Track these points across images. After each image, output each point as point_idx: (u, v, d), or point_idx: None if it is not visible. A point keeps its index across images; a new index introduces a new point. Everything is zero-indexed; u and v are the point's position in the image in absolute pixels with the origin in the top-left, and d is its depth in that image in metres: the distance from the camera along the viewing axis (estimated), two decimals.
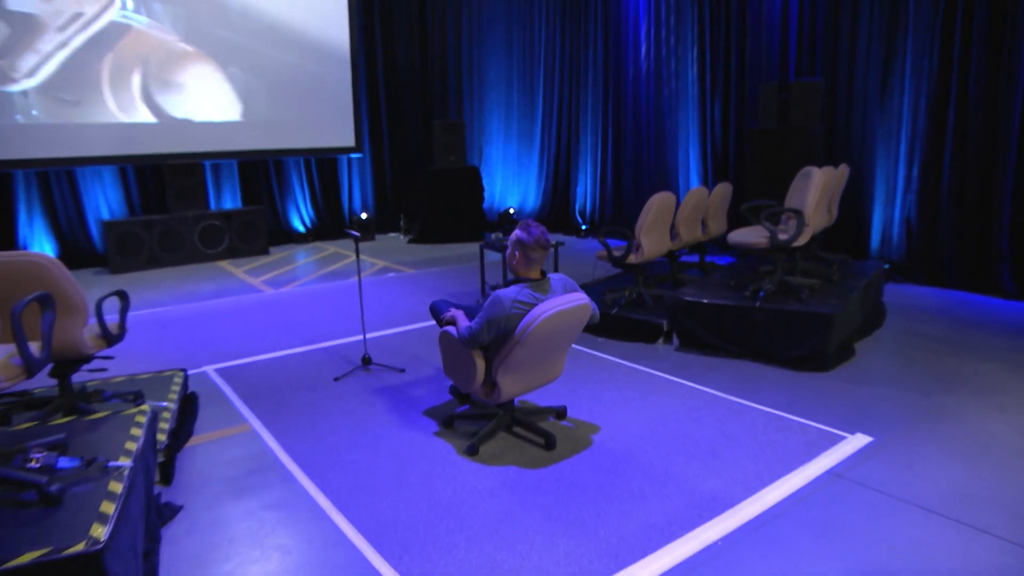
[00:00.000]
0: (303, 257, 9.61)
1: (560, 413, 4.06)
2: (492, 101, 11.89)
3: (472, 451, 3.59)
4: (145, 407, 3.30)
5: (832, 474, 3.35)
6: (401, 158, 11.68)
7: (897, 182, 7.38)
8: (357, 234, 4.79)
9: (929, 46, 6.91)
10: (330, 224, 11.07)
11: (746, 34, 8.58)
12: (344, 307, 6.75)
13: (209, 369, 5.03)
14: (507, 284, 3.48)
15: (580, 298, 3.45)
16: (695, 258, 7.57)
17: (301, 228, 10.80)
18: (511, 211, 11.36)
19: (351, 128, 10.95)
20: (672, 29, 9.52)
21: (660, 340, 5.46)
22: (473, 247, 10.26)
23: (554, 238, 11.46)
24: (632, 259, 5.65)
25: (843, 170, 6.37)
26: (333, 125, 10.78)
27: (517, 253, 3.44)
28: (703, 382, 4.59)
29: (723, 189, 6.60)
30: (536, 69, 11.63)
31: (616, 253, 5.69)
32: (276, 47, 10.07)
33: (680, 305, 5.24)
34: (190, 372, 4.83)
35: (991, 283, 6.62)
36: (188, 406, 4.25)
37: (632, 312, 5.64)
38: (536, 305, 3.35)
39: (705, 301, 5.11)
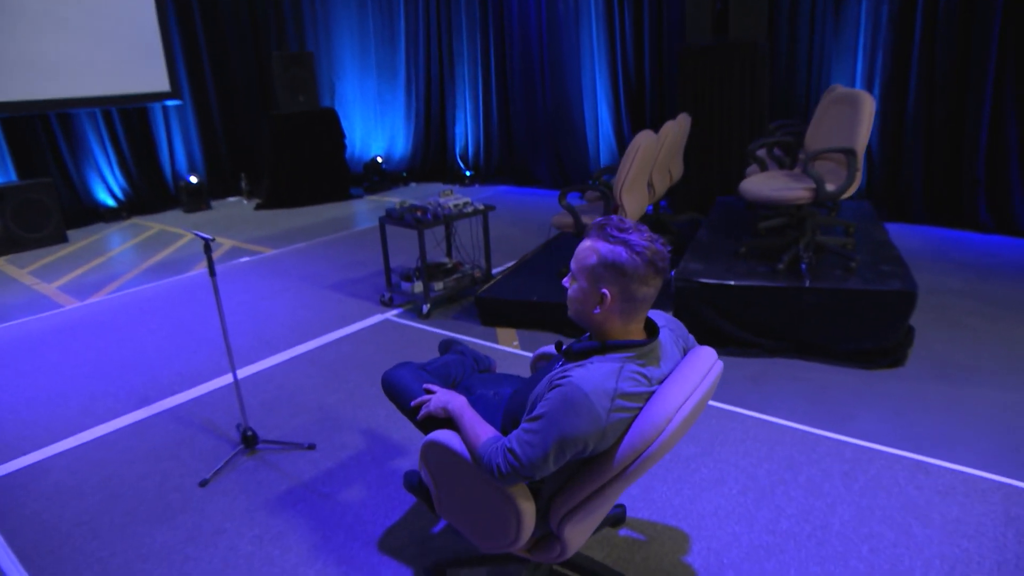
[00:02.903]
0: (119, 243, 6.97)
1: (617, 518, 2.37)
2: (341, 25, 9.38)
3: None
4: None
5: None
6: (233, 102, 9.00)
7: None
8: (209, 237, 2.68)
9: None
10: (150, 193, 8.32)
11: None
12: (191, 319, 4.52)
13: None
14: (581, 353, 1.63)
15: (710, 361, 1.71)
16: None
17: (111, 202, 7.98)
18: (379, 160, 9.21)
19: (162, 68, 8.14)
20: None
21: None
22: (341, 209, 8.08)
23: (437, 188, 9.39)
24: None
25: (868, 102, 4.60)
26: (137, 66, 7.92)
27: (607, 292, 1.56)
28: (771, 408, 3.08)
29: (682, 122, 5.01)
30: None
31: (587, 221, 3.97)
32: None
33: (691, 289, 3.65)
34: None
35: (965, 216, 5.65)
36: None
37: None
38: (652, 394, 1.59)
39: (732, 283, 3.55)
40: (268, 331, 4.31)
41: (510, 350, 3.91)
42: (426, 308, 4.46)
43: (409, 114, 9.64)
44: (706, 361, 1.69)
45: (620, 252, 1.52)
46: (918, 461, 2.65)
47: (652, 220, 5.39)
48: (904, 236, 5.42)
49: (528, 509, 1.67)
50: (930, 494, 2.46)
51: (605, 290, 1.55)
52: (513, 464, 1.56)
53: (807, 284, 3.43)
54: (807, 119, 6.15)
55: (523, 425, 1.57)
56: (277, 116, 8.09)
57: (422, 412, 1.92)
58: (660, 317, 1.79)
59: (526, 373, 3.68)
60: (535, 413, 1.54)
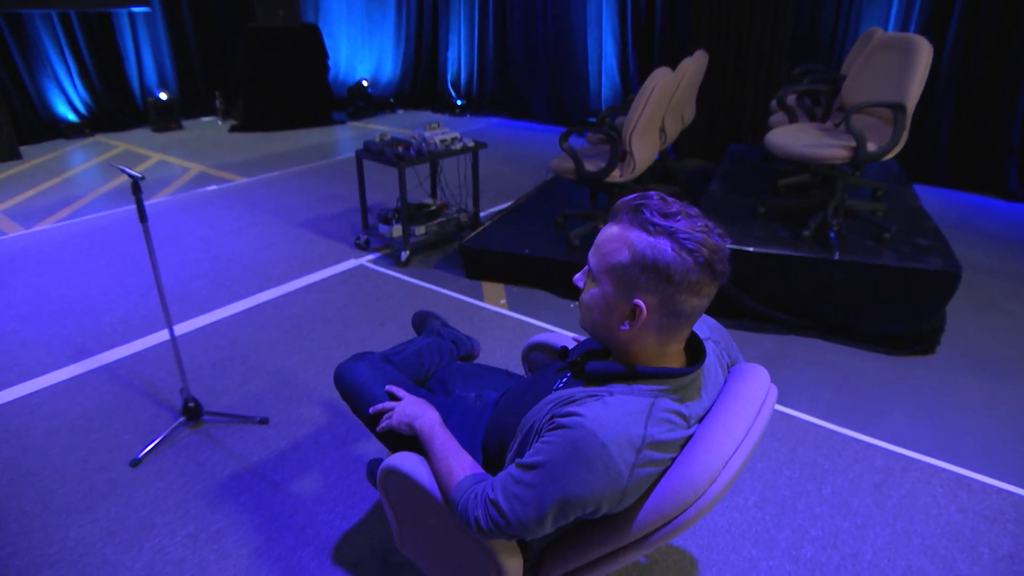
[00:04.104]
0: (79, 161, 6.35)
1: None
2: None
3: None
4: None
5: None
6: (207, 13, 8.19)
7: None
8: (138, 176, 2.16)
9: None
10: (115, 109, 7.61)
11: None
12: (145, 258, 4.02)
13: None
14: (598, 378, 1.17)
15: (763, 388, 1.27)
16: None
17: (72, 116, 7.29)
18: (364, 84, 8.52)
19: None
20: None
21: None
22: (322, 135, 7.46)
23: (426, 117, 8.58)
24: (617, 176, 3.47)
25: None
26: None
27: (642, 304, 1.08)
28: (791, 397, 2.69)
29: (699, 60, 4.43)
30: None
31: (590, 167, 3.47)
32: None
33: None
34: None
35: (992, 182, 5.19)
36: None
37: None
38: (690, 438, 1.15)
39: (751, 249, 3.11)
40: (228, 274, 3.83)
41: (497, 309, 3.48)
42: (405, 255, 3.99)
43: (399, 36, 8.88)
44: (759, 389, 1.25)
45: (664, 249, 1.05)
46: (959, 476, 2.29)
47: (658, 167, 4.89)
48: (925, 199, 4.98)
49: (514, 567, 1.27)
50: (976, 520, 2.10)
51: (639, 301, 1.09)
52: (496, 521, 1.14)
53: (836, 257, 2.99)
54: (831, 64, 5.59)
55: (512, 471, 1.14)
56: (254, 30, 7.35)
57: (382, 424, 1.49)
58: (703, 326, 1.34)
59: (513, 337, 3.28)
60: (530, 459, 1.11)
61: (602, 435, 1.04)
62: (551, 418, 1.12)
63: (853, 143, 2.98)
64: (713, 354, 1.28)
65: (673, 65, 3.74)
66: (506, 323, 3.33)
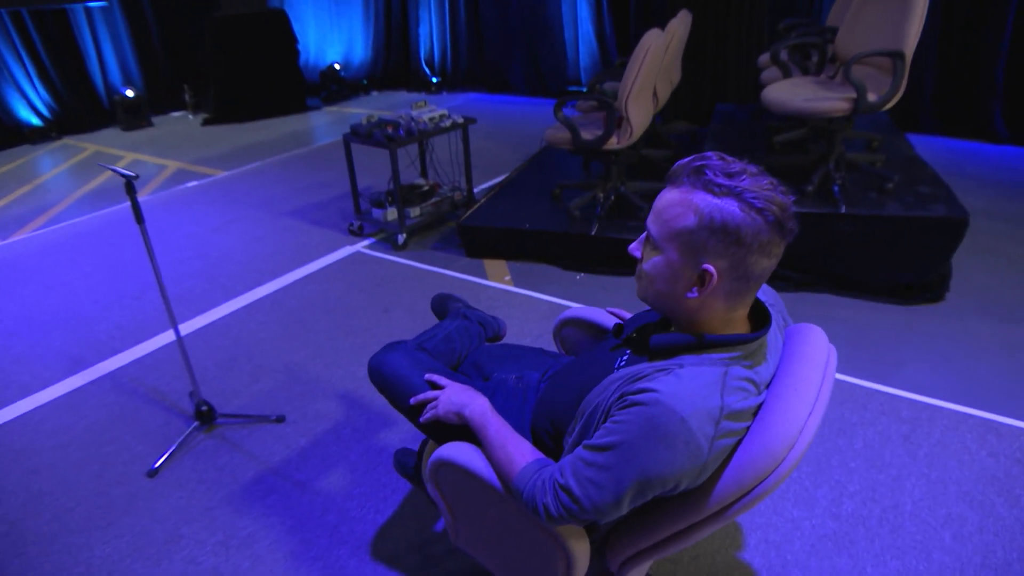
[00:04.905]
0: (49, 166, 6.12)
1: None
2: None
3: None
4: None
5: None
6: (169, 5, 7.87)
7: None
8: (132, 175, 2.05)
9: None
10: (80, 109, 7.34)
11: None
12: (133, 259, 3.89)
13: None
14: (667, 350, 1.11)
15: (823, 348, 1.21)
16: None
17: (35, 120, 7.01)
18: (336, 67, 8.31)
19: None
20: None
21: None
22: (298, 122, 7.28)
23: (401, 97, 8.40)
24: (614, 142, 3.40)
25: None
26: None
27: (711, 269, 1.03)
28: None
29: (684, 20, 4.33)
30: None
31: (587, 136, 3.39)
32: None
33: None
34: None
35: (979, 125, 5.18)
36: None
37: (624, 231, 3.47)
38: (761, 405, 1.10)
39: None
40: (221, 271, 3.72)
41: (502, 286, 3.42)
42: (402, 238, 3.90)
43: (368, 15, 8.64)
44: (820, 350, 1.20)
45: (733, 210, 1.00)
46: (986, 420, 2.29)
47: (647, 133, 4.81)
48: (916, 147, 4.96)
49: (582, 550, 1.22)
50: (1008, 463, 2.10)
51: (709, 266, 1.03)
52: (569, 507, 1.08)
53: (843, 210, 2.96)
54: (812, 17, 5.52)
55: (582, 454, 1.08)
56: (219, 19, 7.10)
57: (427, 415, 1.42)
58: (764, 291, 1.29)
59: (522, 315, 3.22)
60: (601, 440, 1.05)
61: (680, 409, 0.99)
62: (620, 397, 1.06)
63: (853, 94, 2.93)
64: (774, 321, 1.23)
65: (651, 26, 3.64)
66: (514, 300, 3.27)
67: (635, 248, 1.15)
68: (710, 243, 1.02)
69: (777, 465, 1.05)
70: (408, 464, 1.97)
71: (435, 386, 1.48)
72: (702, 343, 1.09)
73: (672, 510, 1.15)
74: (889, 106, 2.99)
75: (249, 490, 2.15)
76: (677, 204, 1.04)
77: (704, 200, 1.02)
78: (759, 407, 1.10)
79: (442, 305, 2.06)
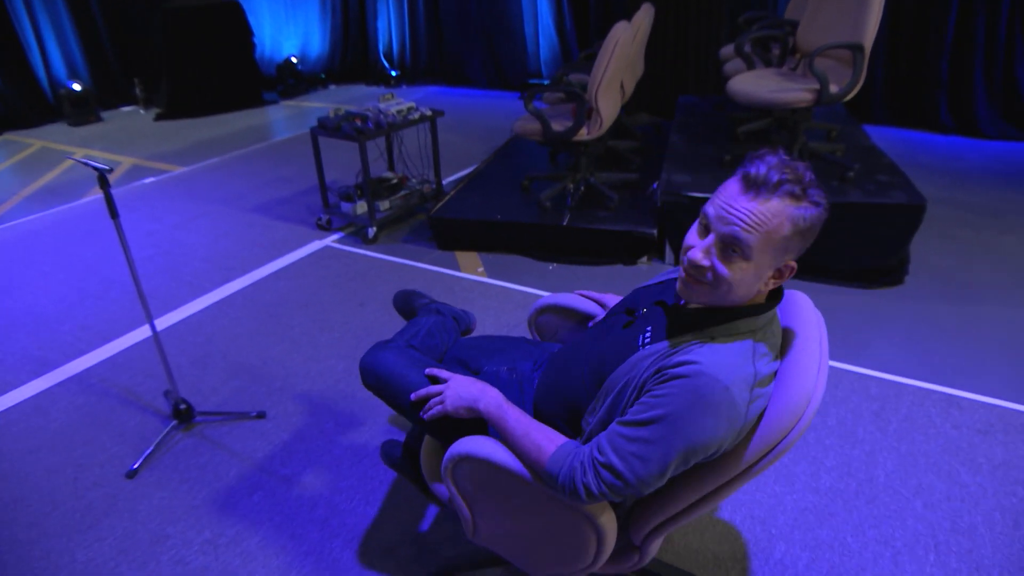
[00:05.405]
0: None
1: None
2: None
3: None
4: None
5: None
6: None
7: None
8: (106, 167, 1.99)
9: None
10: (23, 104, 7.04)
11: None
12: (92, 256, 3.76)
13: None
14: (693, 325, 1.17)
15: (811, 308, 1.32)
16: None
17: None
18: (293, 60, 8.16)
19: None
20: None
21: (645, 258, 3.47)
22: (256, 116, 7.13)
23: (360, 91, 8.35)
24: (584, 134, 3.44)
25: None
26: None
27: (795, 265, 1.15)
28: None
29: (648, 13, 4.39)
30: None
31: (557, 127, 3.42)
32: None
33: (680, 204, 3.23)
34: None
35: (925, 117, 5.39)
36: None
37: (595, 221, 3.52)
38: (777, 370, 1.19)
39: None
40: (187, 268, 3.63)
41: (476, 278, 3.43)
42: (372, 232, 3.87)
43: (325, 8, 8.49)
44: (812, 312, 1.31)
45: (812, 211, 1.08)
46: (948, 395, 2.40)
47: (613, 123, 4.87)
48: (872, 137, 5.14)
49: (611, 525, 1.26)
50: (970, 434, 2.21)
51: (792, 263, 1.14)
52: (613, 483, 1.12)
53: None
54: (770, 9, 5.66)
55: (621, 431, 1.12)
56: (171, 10, 6.88)
57: (433, 411, 1.40)
58: None
59: (499, 306, 3.23)
60: (643, 416, 1.10)
61: (724, 378, 1.06)
62: (658, 371, 1.12)
63: (816, 86, 3.03)
64: None
65: (611, 20, 3.68)
66: (489, 291, 3.28)
67: (704, 258, 1.12)
68: (794, 243, 1.10)
69: (797, 420, 1.12)
70: (395, 455, 1.96)
71: (435, 380, 1.47)
72: (729, 315, 1.16)
73: (699, 475, 1.20)
74: (849, 97, 3.10)
75: (234, 488, 2.12)
76: (773, 215, 1.07)
77: (790, 208, 1.07)
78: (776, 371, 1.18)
79: (407, 302, 2.04)
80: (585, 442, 1.25)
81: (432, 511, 2.01)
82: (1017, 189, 4.24)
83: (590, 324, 1.74)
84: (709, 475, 1.17)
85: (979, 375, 2.51)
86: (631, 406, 1.14)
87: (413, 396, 1.44)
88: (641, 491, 1.13)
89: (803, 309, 1.30)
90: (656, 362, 1.13)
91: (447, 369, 1.66)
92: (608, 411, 1.19)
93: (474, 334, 2.00)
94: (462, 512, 1.39)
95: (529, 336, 1.95)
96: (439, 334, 1.77)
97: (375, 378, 1.53)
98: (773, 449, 1.11)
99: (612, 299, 1.74)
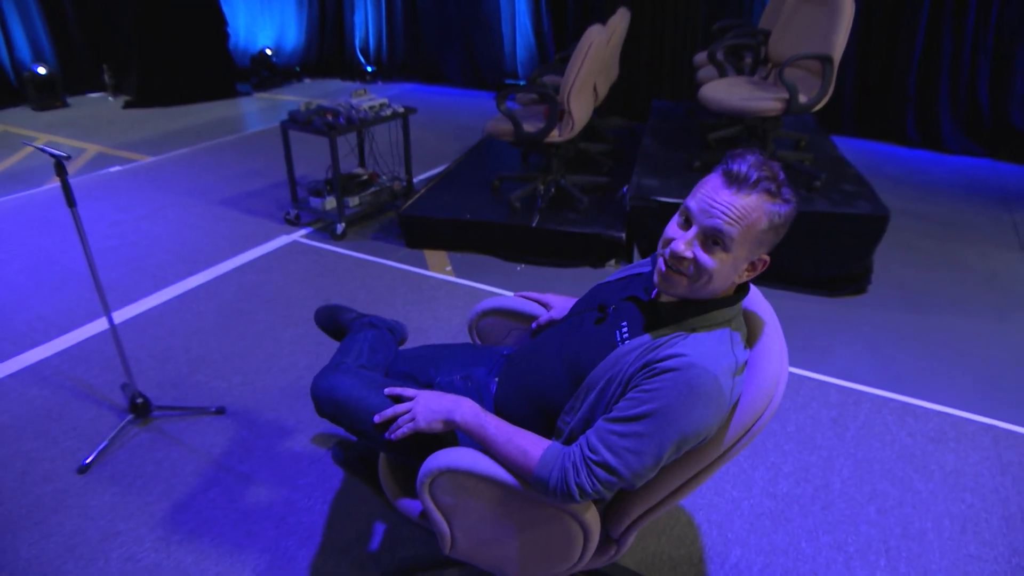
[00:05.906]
0: None
1: None
2: None
3: None
4: None
5: None
6: None
7: None
8: (63, 155, 1.93)
9: None
10: None
11: None
12: (51, 246, 3.67)
13: None
14: (672, 319, 1.22)
15: (759, 296, 1.43)
16: None
17: None
18: (268, 52, 8.06)
19: None
20: None
21: (613, 261, 3.48)
22: (228, 108, 7.02)
23: (335, 85, 8.30)
24: (556, 136, 3.44)
25: None
26: None
27: (768, 259, 1.21)
28: None
29: (623, 17, 4.42)
30: None
31: (529, 128, 3.42)
32: None
33: (649, 208, 3.25)
34: None
35: (892, 130, 5.51)
36: None
37: (565, 223, 3.52)
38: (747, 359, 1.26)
39: None
40: (151, 260, 3.56)
41: (444, 277, 3.41)
42: (341, 228, 3.83)
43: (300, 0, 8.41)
44: (760, 300, 1.41)
45: (786, 207, 1.15)
46: (904, 403, 2.45)
47: (585, 126, 4.89)
48: (839, 148, 5.23)
49: (595, 521, 1.27)
50: (924, 442, 2.26)
51: (766, 256, 1.20)
52: (607, 480, 1.13)
53: None
54: (743, 18, 5.72)
55: (610, 427, 1.13)
56: None
57: (402, 430, 1.33)
58: None
59: (465, 305, 3.22)
60: (634, 411, 1.12)
61: (713, 367, 1.11)
62: (645, 366, 1.14)
63: (786, 95, 3.07)
64: None
65: (589, 22, 3.69)
66: (456, 290, 3.27)
67: (687, 250, 1.15)
68: (769, 236, 1.15)
69: (769, 401, 1.17)
70: (341, 457, 1.84)
71: (398, 399, 1.41)
72: (705, 307, 1.20)
73: (682, 461, 1.22)
74: (818, 107, 3.15)
75: (190, 484, 2.08)
76: (752, 210, 1.12)
77: (770, 205, 1.13)
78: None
79: (332, 318, 1.95)
80: (567, 442, 1.24)
81: (383, 514, 1.99)
82: (977, 203, 4.35)
83: (533, 324, 1.73)
84: (692, 460, 1.20)
85: (935, 384, 2.57)
86: (616, 402, 1.16)
87: (377, 418, 1.36)
88: (635, 485, 1.15)
89: (758, 299, 1.38)
90: (641, 356, 1.16)
91: (395, 384, 1.58)
92: (590, 409, 1.20)
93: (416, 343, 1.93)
94: (439, 527, 1.35)
95: (471, 341, 1.93)
96: (380, 349, 1.69)
97: (332, 405, 1.43)
98: (748, 431, 1.16)
99: (553, 299, 1.72)
